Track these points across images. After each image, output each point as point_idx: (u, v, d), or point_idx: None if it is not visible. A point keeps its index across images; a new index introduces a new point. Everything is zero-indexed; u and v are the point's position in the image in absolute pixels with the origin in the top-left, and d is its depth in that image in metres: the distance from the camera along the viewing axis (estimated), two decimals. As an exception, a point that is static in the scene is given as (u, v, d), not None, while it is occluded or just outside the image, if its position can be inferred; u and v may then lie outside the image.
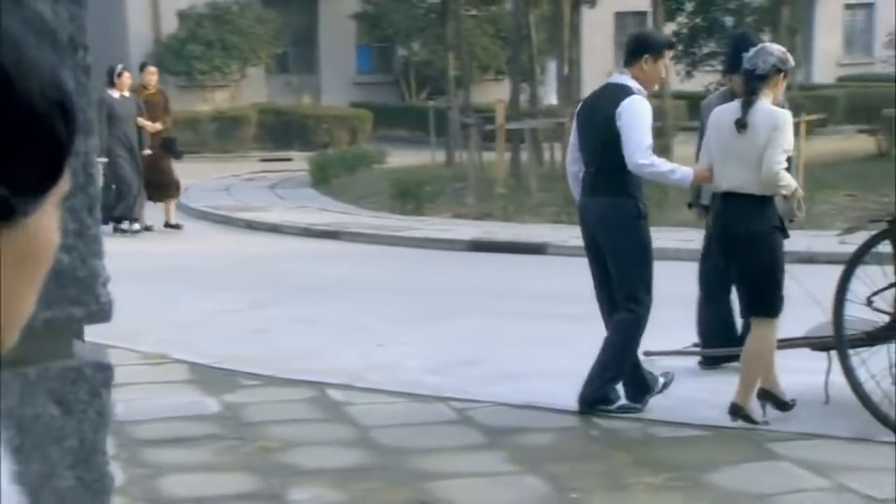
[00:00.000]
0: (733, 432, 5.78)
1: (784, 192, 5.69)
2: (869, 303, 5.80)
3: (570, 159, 6.48)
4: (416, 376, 7.00)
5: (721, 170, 5.79)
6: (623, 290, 6.07)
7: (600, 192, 6.04)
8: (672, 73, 18.09)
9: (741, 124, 5.63)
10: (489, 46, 27.48)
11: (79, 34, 1.50)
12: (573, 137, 6.36)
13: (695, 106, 11.49)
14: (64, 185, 0.73)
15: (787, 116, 5.69)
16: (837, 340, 5.87)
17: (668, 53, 6.25)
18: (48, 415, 1.37)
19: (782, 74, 5.73)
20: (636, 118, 5.88)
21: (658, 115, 8.75)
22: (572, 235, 12.46)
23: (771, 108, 5.67)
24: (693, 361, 7.12)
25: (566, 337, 7.84)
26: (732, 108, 5.79)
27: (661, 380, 6.28)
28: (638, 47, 6.13)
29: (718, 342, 6.95)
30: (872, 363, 5.85)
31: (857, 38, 34.26)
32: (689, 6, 20.39)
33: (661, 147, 11.34)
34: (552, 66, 22.29)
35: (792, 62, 5.87)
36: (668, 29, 18.68)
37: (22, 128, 0.68)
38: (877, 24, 32.63)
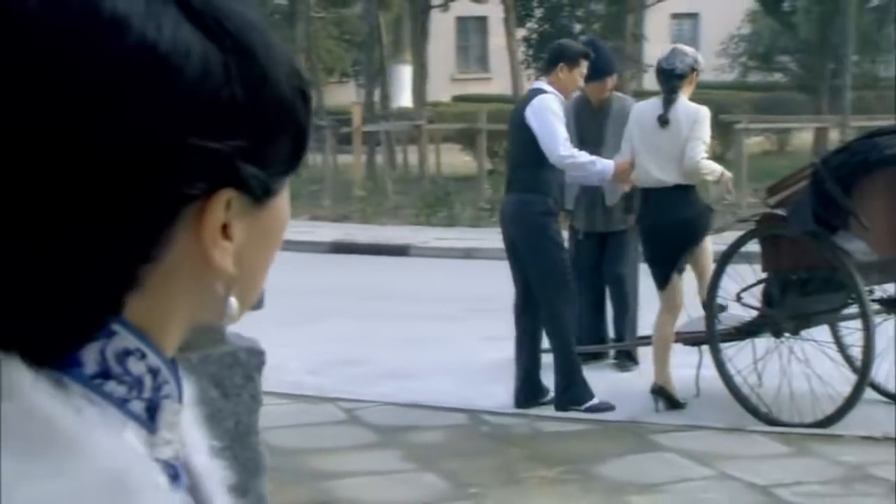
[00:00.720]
0: (618, 425, 6.00)
1: (710, 178, 6.03)
2: (738, 299, 6.10)
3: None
4: (298, 377, 7.00)
5: (645, 164, 6.06)
6: (542, 291, 6.22)
7: (514, 189, 6.28)
8: (523, 77, 18.51)
9: (664, 120, 5.92)
10: (333, 49, 27.43)
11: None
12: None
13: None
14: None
15: (705, 111, 6.03)
16: (709, 335, 6.15)
17: (584, 63, 6.39)
18: (209, 398, 1.38)
19: (695, 73, 6.07)
20: (546, 113, 6.10)
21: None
22: (432, 237, 12.67)
23: (691, 104, 6.01)
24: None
25: (437, 337, 7.98)
26: (653, 106, 6.12)
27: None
28: (554, 56, 6.40)
29: (591, 339, 7.18)
30: (739, 359, 6.17)
31: (684, 47, 35.62)
32: (538, 13, 20.88)
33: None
34: (401, 69, 22.46)
35: (702, 62, 6.26)
36: (519, 34, 19.09)
37: (274, 113, 0.72)
38: (702, 33, 34.04)
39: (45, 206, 0.66)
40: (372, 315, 8.88)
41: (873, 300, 5.96)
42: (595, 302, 7.19)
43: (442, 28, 27.19)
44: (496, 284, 7.42)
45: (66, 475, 0.64)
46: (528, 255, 6.18)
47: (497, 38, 25.03)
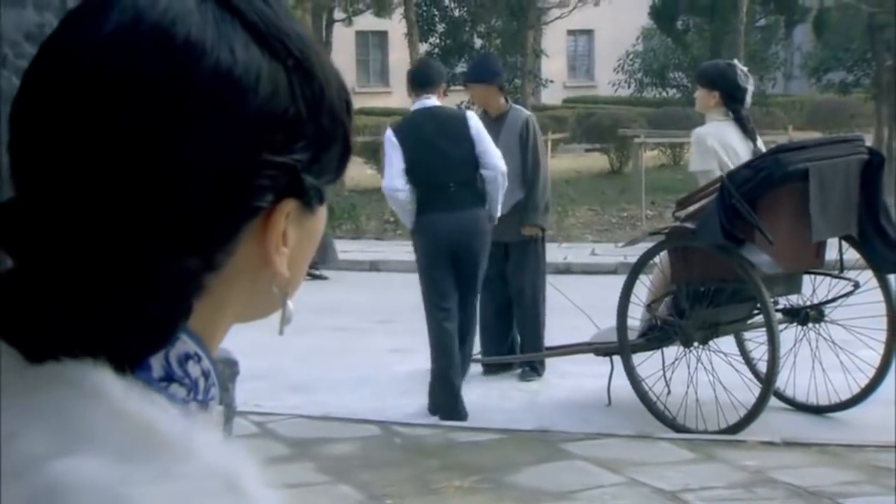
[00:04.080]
0: (528, 435, 6.06)
1: None
2: (648, 309, 6.23)
3: (399, 182, 6.35)
4: (206, 391, 6.92)
5: None
6: (471, 293, 6.44)
7: (465, 205, 6.25)
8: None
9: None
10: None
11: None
12: (398, 159, 6.35)
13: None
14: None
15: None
16: (621, 345, 6.27)
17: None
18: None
19: None
20: (483, 129, 6.32)
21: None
22: (338, 249, 12.63)
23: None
24: (476, 368, 7.39)
25: (346, 349, 7.98)
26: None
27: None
28: (438, 75, 6.59)
29: (498, 349, 7.26)
30: (645, 367, 6.30)
31: (579, 63, 36.24)
32: (440, 28, 21.03)
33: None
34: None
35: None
36: (422, 49, 19.18)
37: (329, 126, 0.76)
38: (597, 49, 34.66)
39: (131, 222, 0.68)
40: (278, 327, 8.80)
41: (777, 310, 6.14)
42: (501, 311, 7.26)
43: (342, 42, 27.17)
44: (403, 296, 7.46)
45: (174, 477, 0.65)
46: (474, 266, 6.34)
47: (397, 53, 25.13)
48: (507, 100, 7.24)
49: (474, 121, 6.33)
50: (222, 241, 0.72)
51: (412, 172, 6.26)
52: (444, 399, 6.38)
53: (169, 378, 0.72)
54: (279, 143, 0.72)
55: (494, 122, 7.03)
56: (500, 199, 6.37)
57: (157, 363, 0.72)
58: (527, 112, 7.31)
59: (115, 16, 0.70)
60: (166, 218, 0.69)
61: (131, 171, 0.68)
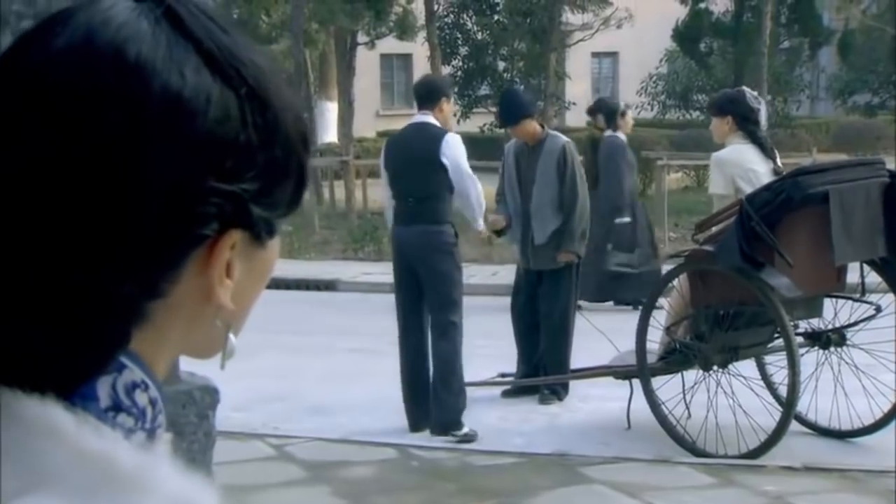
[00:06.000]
0: (546, 459, 6.03)
1: None
2: (668, 332, 6.19)
3: (385, 194, 6.73)
4: (225, 414, 6.87)
5: None
6: (441, 313, 6.34)
7: (420, 220, 6.31)
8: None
9: None
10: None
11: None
12: (383, 171, 6.64)
13: (474, 144, 11.96)
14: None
15: None
16: (640, 369, 6.23)
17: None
18: (162, 437, 1.36)
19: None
20: (461, 152, 6.36)
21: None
22: (360, 271, 12.65)
23: None
24: (497, 390, 7.36)
25: (366, 371, 7.95)
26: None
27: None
28: (436, 91, 6.56)
29: (526, 371, 7.25)
30: (664, 391, 6.25)
31: (603, 85, 36.22)
32: (462, 51, 21.08)
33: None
34: (327, 105, 22.46)
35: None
36: (445, 71, 19.24)
37: (283, 157, 0.75)
38: (621, 72, 34.63)
39: (70, 243, 0.67)
40: (300, 350, 8.82)
41: (798, 334, 6.09)
42: (529, 335, 7.25)
43: (367, 65, 27.28)
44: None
45: None
46: (436, 283, 6.31)
47: (421, 75, 25.17)
48: (543, 126, 7.25)
49: (451, 143, 6.33)
50: (165, 269, 0.71)
51: (389, 183, 6.54)
52: (408, 411, 6.48)
53: (116, 408, 0.72)
54: (228, 171, 0.71)
55: (532, 151, 7.08)
56: (477, 219, 6.56)
57: (104, 393, 0.71)
58: (564, 139, 7.25)
59: (66, 33, 0.69)
60: (108, 240, 0.68)
61: (72, 188, 0.67)
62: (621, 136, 9.68)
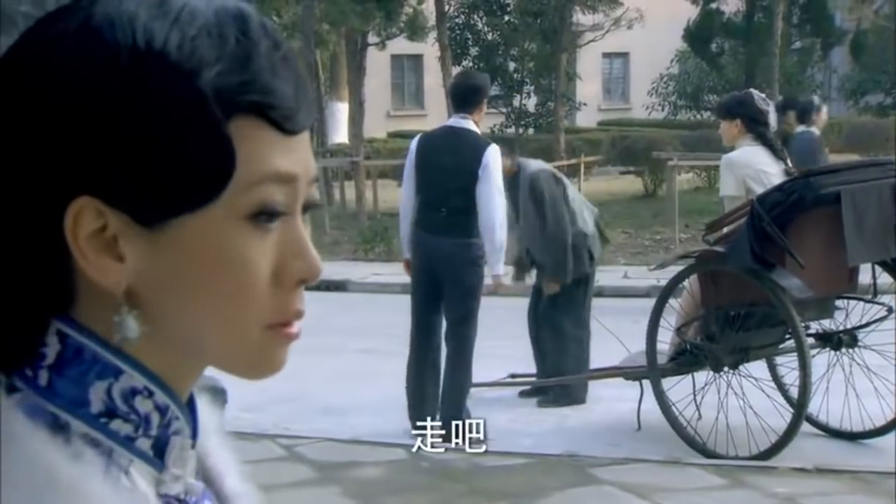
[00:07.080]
0: (555, 459, 6.02)
1: None
2: (679, 333, 6.18)
3: (408, 195, 6.33)
4: (235, 414, 6.90)
5: None
6: (459, 322, 6.26)
7: (451, 233, 6.06)
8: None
9: None
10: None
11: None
12: (409, 169, 6.27)
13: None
14: None
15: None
16: (650, 369, 6.22)
17: None
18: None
19: None
20: (498, 167, 6.03)
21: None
22: (371, 272, 12.65)
23: None
24: (507, 392, 7.35)
25: (376, 372, 7.95)
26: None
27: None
28: (478, 91, 6.16)
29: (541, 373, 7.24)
30: (675, 392, 6.24)
31: (614, 85, 36.18)
32: (473, 51, 21.12)
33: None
34: (337, 106, 22.47)
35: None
36: (454, 73, 19.25)
37: (157, 125, 0.71)
38: (632, 72, 34.59)
39: None
40: (310, 350, 8.72)
41: (809, 335, 6.07)
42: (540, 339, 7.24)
43: (377, 65, 27.31)
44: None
45: None
46: (459, 295, 6.18)
47: (432, 76, 25.21)
48: (512, 160, 6.81)
49: (494, 156, 5.99)
50: (39, 235, 0.70)
51: (417, 187, 6.19)
52: (409, 404, 6.39)
53: (110, 413, 0.71)
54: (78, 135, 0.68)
55: (510, 183, 6.68)
56: (493, 241, 6.03)
57: (96, 398, 0.70)
58: (533, 167, 6.99)
59: None
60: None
61: None
62: (815, 131, 9.71)
